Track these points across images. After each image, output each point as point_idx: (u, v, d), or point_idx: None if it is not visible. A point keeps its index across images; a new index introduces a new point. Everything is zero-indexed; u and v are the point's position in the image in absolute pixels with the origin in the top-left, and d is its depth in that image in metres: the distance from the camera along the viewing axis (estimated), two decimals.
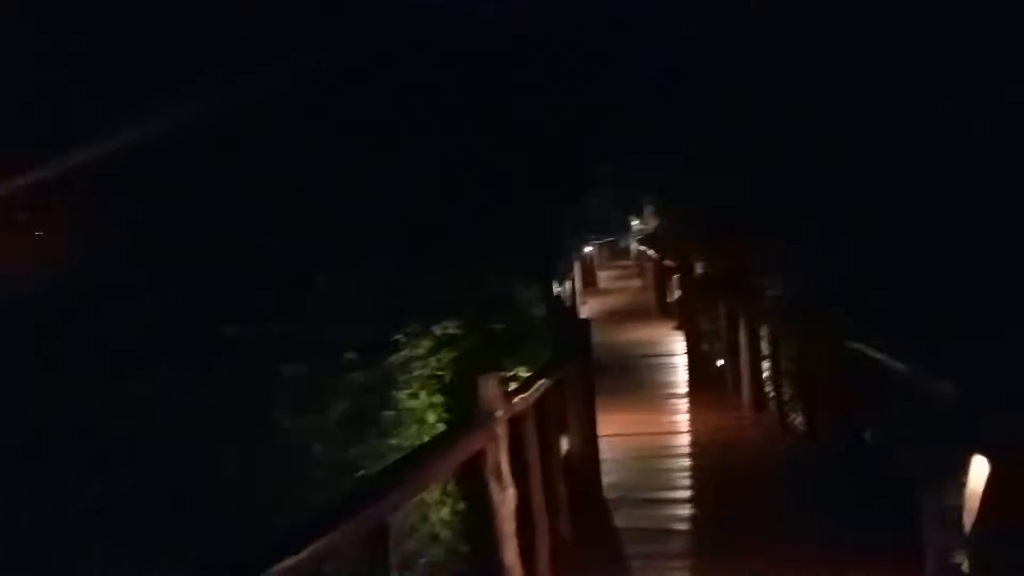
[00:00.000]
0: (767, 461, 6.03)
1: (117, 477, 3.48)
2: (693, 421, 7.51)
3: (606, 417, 7.44)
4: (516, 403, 3.51)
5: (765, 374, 7.57)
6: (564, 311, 9.75)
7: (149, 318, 4.13)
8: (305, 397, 4.40)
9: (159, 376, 3.80)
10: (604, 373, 10.02)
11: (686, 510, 5.09)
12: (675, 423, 7.51)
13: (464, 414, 5.76)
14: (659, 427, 7.41)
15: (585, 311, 17.07)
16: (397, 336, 5.31)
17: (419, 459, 2.55)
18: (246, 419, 3.80)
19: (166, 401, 3.58)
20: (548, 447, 4.58)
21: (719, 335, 9.10)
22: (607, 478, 5.71)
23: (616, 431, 7.09)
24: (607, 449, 6.45)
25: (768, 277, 7.82)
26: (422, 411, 5.65)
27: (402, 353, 5.39)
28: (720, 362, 8.61)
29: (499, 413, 3.08)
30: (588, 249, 23.74)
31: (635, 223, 28.30)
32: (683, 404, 8.27)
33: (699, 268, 11.11)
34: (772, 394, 7.42)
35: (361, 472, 4.61)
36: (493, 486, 3.02)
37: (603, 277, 25.20)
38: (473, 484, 3.05)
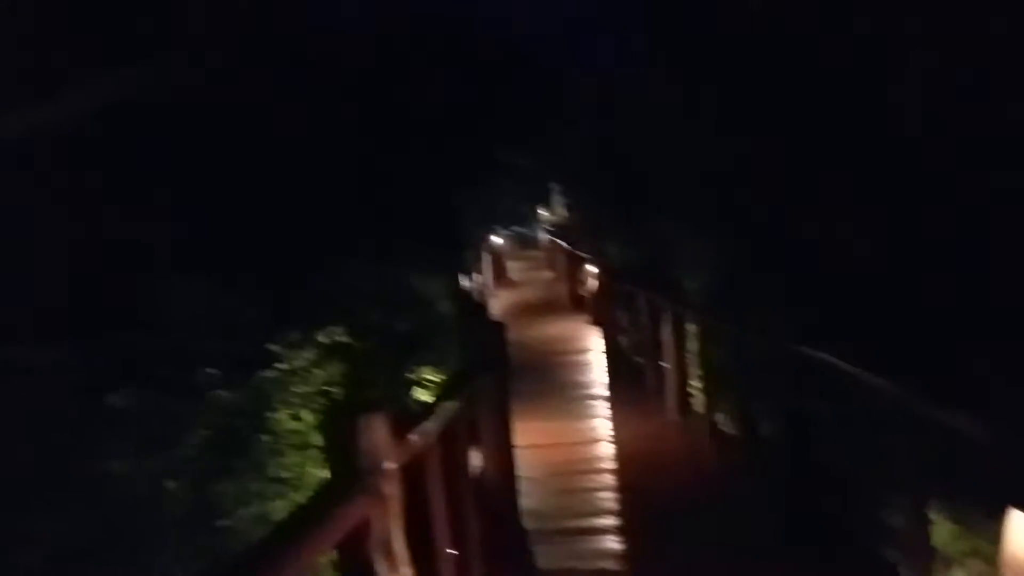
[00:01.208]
0: (699, 476, 5.42)
1: None
2: (615, 428, 6.85)
3: (521, 425, 6.73)
4: (413, 442, 2.70)
5: (691, 374, 7.01)
6: (473, 307, 8.99)
7: None
8: (147, 430, 3.47)
9: None
10: (517, 374, 9.30)
11: (613, 543, 4.40)
12: (595, 431, 6.84)
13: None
14: (579, 436, 6.72)
15: (496, 304, 16.35)
16: (272, 347, 4.41)
17: (265, 553, 1.72)
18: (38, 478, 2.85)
19: None
20: (455, 480, 3.80)
21: (639, 331, 8.52)
22: (525, 501, 4.97)
23: (532, 441, 6.37)
24: (524, 465, 5.72)
25: (692, 270, 7.27)
26: (307, 434, 4.78)
27: (279, 367, 4.50)
28: (645, 361, 7.98)
29: (388, 465, 2.26)
30: (498, 240, 22.98)
31: (545, 213, 27.79)
32: (603, 408, 7.62)
33: (615, 258, 10.52)
34: (700, 397, 6.86)
35: (221, 521, 3.71)
36: (380, 567, 2.21)
37: (514, 268, 24.50)
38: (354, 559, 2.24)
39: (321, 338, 4.56)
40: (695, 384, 7.01)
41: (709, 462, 5.68)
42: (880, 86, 4.76)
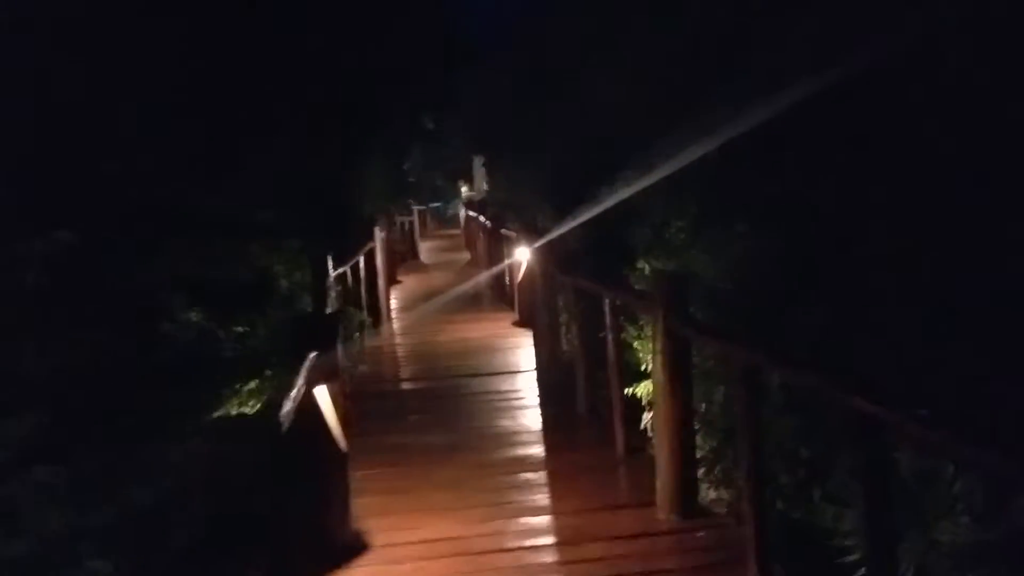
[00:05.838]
0: None
1: None
2: (561, 539, 3.73)
3: (395, 529, 3.58)
4: None
5: (697, 432, 3.95)
6: (327, 317, 5.76)
7: None
8: None
9: None
10: (404, 411, 6.20)
11: None
12: (527, 555, 3.64)
13: None
14: (495, 565, 3.52)
15: (397, 293, 13.08)
16: None
17: None
18: None
19: None
20: None
21: (597, 344, 5.40)
22: None
23: None
24: None
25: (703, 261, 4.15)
26: None
27: None
28: (656, 398, 4.82)
29: None
30: (409, 217, 19.85)
31: (464, 188, 24.81)
32: (539, 487, 4.46)
33: (556, 236, 7.30)
34: (716, 476, 3.84)
35: None
36: None
37: (426, 249, 21.28)
38: None
39: None
40: (705, 451, 3.97)
41: None
42: None
